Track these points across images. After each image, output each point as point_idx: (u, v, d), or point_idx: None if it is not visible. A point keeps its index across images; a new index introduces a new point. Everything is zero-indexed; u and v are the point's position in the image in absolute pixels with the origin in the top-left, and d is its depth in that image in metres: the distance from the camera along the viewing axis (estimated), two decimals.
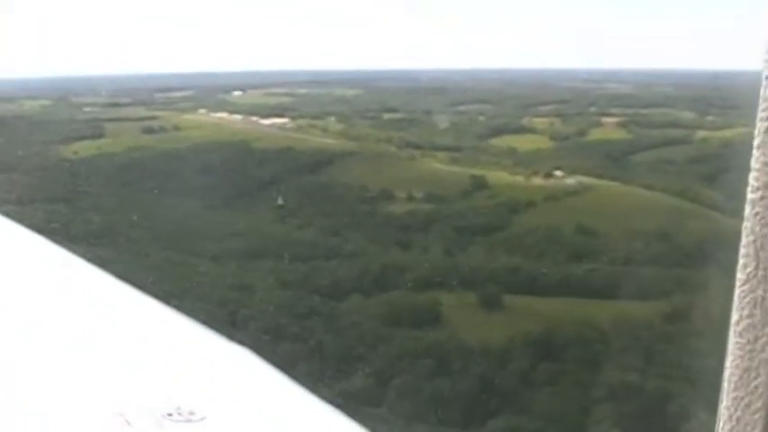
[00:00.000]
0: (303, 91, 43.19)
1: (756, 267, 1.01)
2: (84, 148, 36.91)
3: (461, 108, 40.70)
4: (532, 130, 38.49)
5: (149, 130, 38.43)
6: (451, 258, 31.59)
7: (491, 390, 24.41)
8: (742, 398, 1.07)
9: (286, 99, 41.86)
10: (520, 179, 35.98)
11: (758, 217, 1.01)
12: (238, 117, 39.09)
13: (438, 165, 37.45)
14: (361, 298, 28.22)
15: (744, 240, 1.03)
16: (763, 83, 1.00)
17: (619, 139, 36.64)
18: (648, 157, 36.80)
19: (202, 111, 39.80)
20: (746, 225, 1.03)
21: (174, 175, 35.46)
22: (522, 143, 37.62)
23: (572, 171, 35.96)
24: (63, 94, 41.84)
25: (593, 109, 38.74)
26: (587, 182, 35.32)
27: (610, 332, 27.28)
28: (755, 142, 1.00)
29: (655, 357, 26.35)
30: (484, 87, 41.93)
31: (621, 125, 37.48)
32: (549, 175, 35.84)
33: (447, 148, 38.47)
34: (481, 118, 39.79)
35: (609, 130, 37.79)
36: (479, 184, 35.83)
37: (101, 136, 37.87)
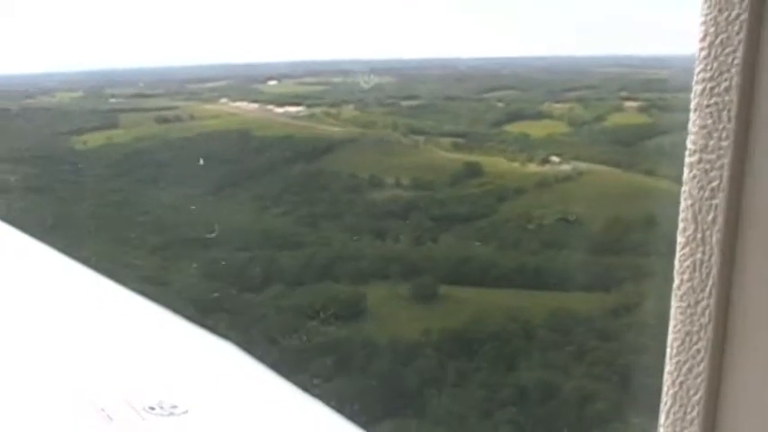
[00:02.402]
0: (337, 80, 42.19)
1: (695, 230, 1.09)
2: (95, 139, 37.19)
3: (487, 95, 38.95)
4: (550, 116, 36.66)
5: (163, 120, 38.42)
6: (413, 248, 30.61)
7: (389, 390, 23.58)
8: (684, 362, 1.16)
9: (317, 88, 41.08)
10: (516, 165, 34.29)
11: (695, 180, 1.08)
12: (255, 106, 38.39)
13: (439, 151, 36.19)
14: (283, 290, 27.44)
15: (682, 204, 1.11)
16: (697, 45, 1.07)
17: (637, 124, 34.39)
18: (663, 141, 34.22)
19: (224, 100, 39.34)
20: (685, 189, 1.11)
21: (168, 164, 35.38)
22: (537, 129, 35.87)
23: (578, 157, 34.09)
24: (100, 86, 42.29)
25: (623, 94, 36.23)
26: (584, 168, 33.36)
27: (543, 327, 26.17)
28: (692, 105, 1.07)
29: (587, 355, 25.02)
30: (518, 74, 39.97)
31: (642, 110, 34.95)
32: (545, 161, 34.03)
33: (454, 135, 37.06)
34: (499, 104, 37.87)
35: (629, 115, 35.40)
36: (473, 171, 34.42)
37: (115, 126, 38.09)
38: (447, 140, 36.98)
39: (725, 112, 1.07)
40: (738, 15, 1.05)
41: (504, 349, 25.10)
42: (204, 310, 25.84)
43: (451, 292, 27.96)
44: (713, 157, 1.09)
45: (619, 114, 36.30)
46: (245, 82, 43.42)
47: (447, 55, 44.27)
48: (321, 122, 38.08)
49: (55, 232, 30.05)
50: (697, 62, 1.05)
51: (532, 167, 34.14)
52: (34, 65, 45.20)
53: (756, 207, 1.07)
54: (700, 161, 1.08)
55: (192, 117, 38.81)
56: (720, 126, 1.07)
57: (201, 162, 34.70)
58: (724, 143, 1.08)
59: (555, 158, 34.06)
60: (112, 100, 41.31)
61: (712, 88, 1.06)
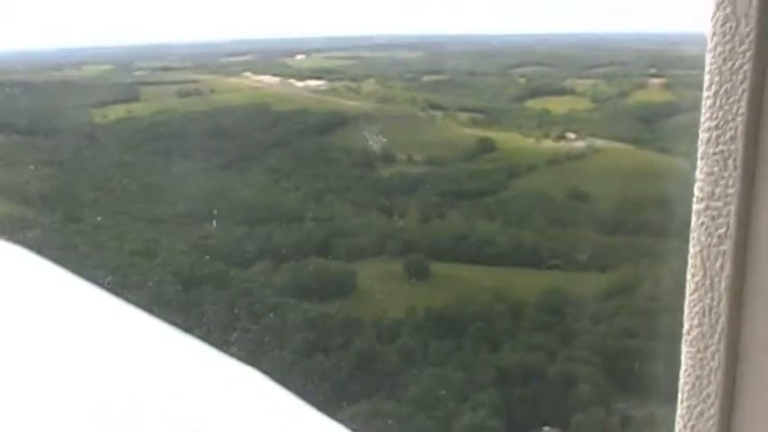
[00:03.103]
0: (367, 54, 41.81)
1: (704, 276, 1.09)
2: (115, 112, 37.07)
3: (513, 71, 38.30)
4: (573, 92, 35.88)
5: (185, 94, 38.22)
6: (417, 224, 29.93)
7: (368, 369, 23.03)
8: (695, 406, 1.15)
9: (345, 62, 40.79)
10: (531, 141, 33.57)
11: (704, 227, 1.08)
12: (276, 80, 38.06)
13: (456, 126, 35.61)
14: (272, 265, 27.02)
15: (691, 251, 1.11)
16: (703, 93, 1.11)
17: (660, 101, 33.47)
18: (683, 119, 33.20)
19: (247, 74, 39.08)
20: (693, 235, 1.11)
21: (183, 137, 35.07)
22: (559, 105, 35.17)
23: (596, 134, 33.32)
24: (130, 60, 42.29)
25: (651, 71, 35.28)
26: (599, 145, 32.60)
27: (533, 307, 25.36)
28: (699, 153, 1.09)
29: (575, 337, 24.37)
30: (548, 50, 39.25)
31: (666, 87, 33.98)
32: (560, 138, 33.30)
33: (474, 110, 36.44)
34: (521, 80, 37.12)
35: (653, 91, 34.44)
36: (487, 147, 33.89)
37: (136, 99, 37.98)
38: (465, 116, 36.48)
39: (731, 160, 1.08)
40: (742, 65, 1.05)
41: (486, 330, 24.36)
42: (188, 283, 25.57)
43: (445, 269, 27.36)
44: (720, 204, 1.09)
45: (643, 91, 35.51)
46: (274, 56, 43.19)
47: (481, 31, 43.64)
48: (341, 96, 37.67)
49: (55, 203, 30.12)
50: (703, 111, 1.07)
51: (547, 144, 33.47)
52: (70, 39, 45.33)
53: (764, 253, 1.07)
54: (707, 208, 1.08)
55: (212, 90, 38.60)
56: (726, 174, 1.08)
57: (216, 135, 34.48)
58: (730, 190, 1.09)
59: (570, 135, 33.27)
60: (137, 73, 41.21)
61: (718, 137, 1.08)
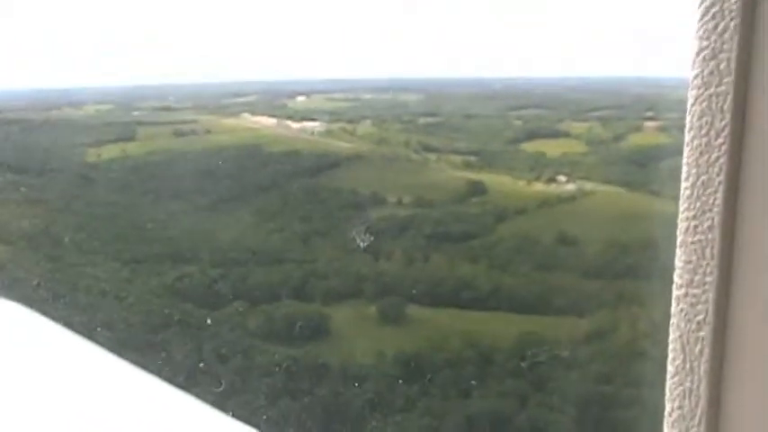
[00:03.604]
0: (368, 96, 41.53)
1: (683, 361, 1.17)
2: (109, 151, 37.00)
3: (511, 113, 37.91)
4: (568, 135, 35.44)
5: (180, 134, 38.09)
6: (397, 267, 29.53)
7: (332, 414, 22.62)
8: None
9: (345, 104, 40.47)
10: (522, 184, 33.12)
11: (683, 313, 1.16)
12: (273, 121, 37.89)
13: (449, 169, 35.24)
14: (244, 308, 26.67)
15: (671, 335, 1.18)
16: (682, 185, 1.20)
17: (654, 144, 32.95)
18: (676, 162, 32.14)
19: (245, 115, 38.93)
20: (673, 321, 1.19)
21: (173, 178, 34.94)
22: (553, 148, 34.79)
23: (589, 177, 32.97)
24: (131, 100, 42.30)
25: (649, 114, 34.82)
26: (590, 188, 32.11)
27: (506, 352, 24.82)
28: (678, 241, 1.16)
29: (547, 384, 23.82)
30: (548, 93, 38.83)
31: (662, 130, 33.49)
32: (551, 180, 32.85)
33: (467, 153, 36.06)
34: (517, 122, 36.74)
35: (648, 134, 33.99)
36: (477, 190, 33.38)
37: (132, 139, 37.87)
38: (459, 158, 36.09)
39: (708, 249, 1.14)
40: (718, 158, 1.12)
41: (455, 376, 23.87)
42: (155, 325, 25.22)
43: (421, 313, 26.92)
44: (699, 291, 1.14)
45: (638, 134, 34.96)
46: (277, 97, 43.00)
47: (483, 74, 43.31)
48: (336, 138, 37.38)
49: (34, 242, 29.94)
50: (681, 201, 1.14)
51: (538, 187, 33.09)
52: (75, 78, 45.46)
53: (741, 340, 1.11)
54: (686, 295, 1.14)
55: (208, 131, 38.42)
56: (704, 263, 1.14)
57: (210, 174, 34.30)
58: (708, 278, 1.13)
59: (562, 178, 32.74)
60: (136, 113, 41.13)
61: (696, 226, 1.15)
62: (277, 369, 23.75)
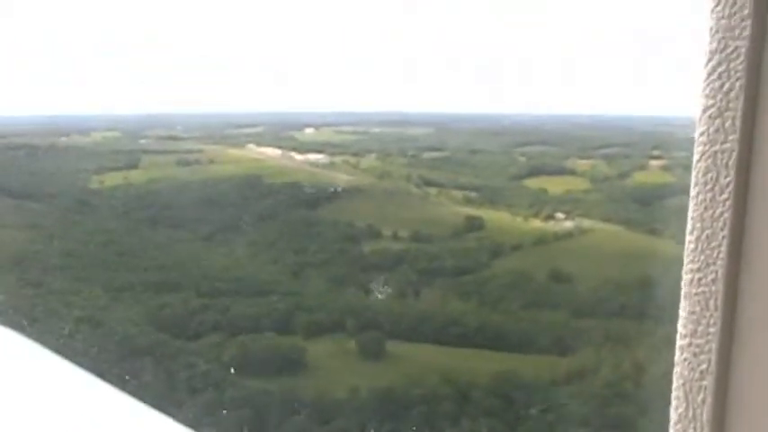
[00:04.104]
0: (376, 130, 41.39)
1: (687, 409, 1.15)
2: (113, 178, 36.98)
3: (517, 149, 37.54)
4: (573, 172, 34.95)
5: (184, 163, 38.00)
6: (386, 301, 28.94)
7: None
8: None
9: (352, 137, 40.47)
10: (519, 221, 32.68)
11: (686, 362, 1.15)
12: (278, 152, 37.68)
13: (448, 204, 34.86)
14: (221, 339, 26.20)
15: (674, 383, 1.16)
16: (686, 237, 1.17)
17: (658, 183, 32.49)
18: (679, 201, 31.86)
19: (251, 146, 38.79)
20: (677, 369, 1.17)
21: (172, 206, 34.84)
22: (556, 185, 34.37)
23: (589, 214, 32.45)
24: (140, 128, 42.32)
25: (655, 152, 34.38)
26: (588, 225, 31.68)
27: (483, 390, 23.81)
28: (682, 292, 1.15)
29: (521, 425, 23.02)
30: (557, 130, 38.46)
31: (666, 168, 33.01)
32: (549, 218, 32.36)
33: (469, 188, 35.69)
34: (522, 159, 36.31)
35: (652, 173, 33.47)
36: (475, 225, 33.15)
37: (135, 167, 37.83)
38: (460, 193, 35.83)
39: (712, 301, 1.14)
40: (722, 213, 1.13)
41: (429, 413, 23.23)
42: (128, 354, 24.77)
43: (401, 349, 26.32)
44: (702, 341, 1.15)
45: (642, 172, 34.65)
46: (284, 129, 42.96)
47: (493, 110, 43.07)
48: (338, 171, 37.07)
49: (21, 267, 29.65)
50: (686, 254, 1.13)
51: (536, 223, 32.74)
52: (87, 105, 45.60)
53: (743, 389, 1.13)
54: (690, 344, 1.14)
55: (211, 161, 38.33)
56: (708, 314, 1.14)
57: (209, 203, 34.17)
58: (712, 329, 1.15)
59: (560, 215, 32.27)
60: (142, 141, 41.16)
61: (700, 279, 1.15)
62: (245, 402, 23.24)
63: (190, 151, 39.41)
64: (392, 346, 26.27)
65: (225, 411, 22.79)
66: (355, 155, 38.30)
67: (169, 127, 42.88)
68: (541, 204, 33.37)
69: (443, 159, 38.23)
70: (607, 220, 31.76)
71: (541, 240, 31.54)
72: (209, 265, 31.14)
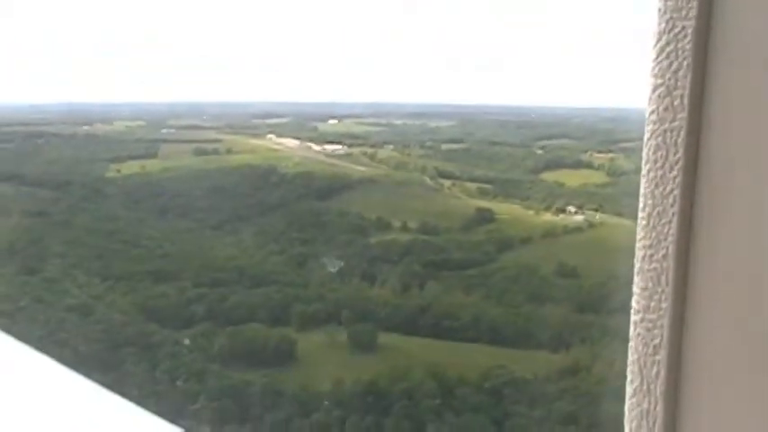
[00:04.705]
0: (399, 122, 40.89)
1: (641, 383, 1.14)
2: (129, 167, 36.83)
3: (539, 142, 36.87)
4: (590, 165, 34.13)
5: (201, 153, 37.71)
6: (387, 294, 28.48)
7: None
8: None
9: (374, 128, 40.11)
10: (531, 214, 32.13)
11: (639, 337, 1.13)
12: (296, 143, 37.27)
13: (462, 196, 34.30)
14: (209, 329, 25.81)
15: (629, 358, 1.15)
16: (639, 215, 1.17)
17: None
18: None
19: (270, 136, 38.42)
20: (631, 345, 1.15)
21: (185, 195, 34.54)
22: (573, 178, 33.77)
23: (601, 207, 31.80)
24: (165, 118, 42.15)
25: None
26: (598, 219, 31.04)
27: (469, 385, 23.49)
28: (635, 268, 1.14)
29: (506, 421, 22.26)
30: (581, 123, 37.70)
31: None
32: (560, 211, 31.61)
33: (484, 180, 35.08)
34: (539, 152, 35.60)
35: None
36: (485, 218, 32.67)
37: (154, 156, 37.65)
38: (474, 186, 35.03)
39: (663, 276, 1.12)
40: (672, 190, 1.11)
41: (412, 407, 22.72)
42: (114, 343, 24.48)
43: (394, 341, 25.77)
44: (654, 317, 1.12)
45: None
46: (309, 119, 42.58)
47: (521, 102, 42.36)
48: (354, 162, 36.55)
49: (20, 255, 29.44)
50: (638, 230, 1.11)
51: (547, 217, 32.05)
52: (117, 93, 45.55)
53: (695, 363, 1.11)
54: (643, 320, 1.10)
55: (229, 150, 37.98)
56: (660, 289, 1.12)
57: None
58: (664, 304, 1.12)
59: (571, 208, 31.49)
60: (164, 130, 40.93)
61: (652, 255, 1.13)
62: (222, 393, 22.80)
63: (209, 141, 39.09)
64: (385, 339, 25.73)
65: (202, 401, 22.38)
66: (373, 146, 37.68)
67: (195, 117, 42.62)
68: (555, 198, 32.71)
69: (462, 151, 37.69)
70: (619, 214, 30.75)
71: (551, 234, 31.05)
72: (212, 255, 30.75)
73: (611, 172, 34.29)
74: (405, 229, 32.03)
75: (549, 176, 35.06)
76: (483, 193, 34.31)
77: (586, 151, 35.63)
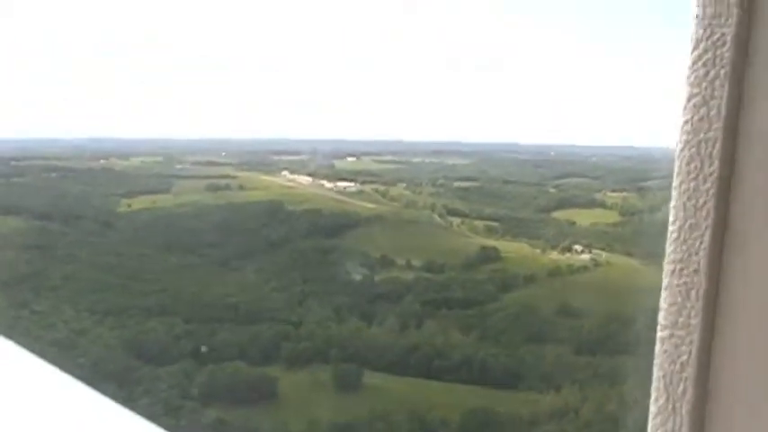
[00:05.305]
0: (417, 159, 40.62)
1: (667, 401, 1.15)
2: (141, 202, 36.84)
3: (556, 181, 36.37)
4: (603, 205, 33.71)
5: (213, 189, 37.57)
6: (383, 332, 28.02)
7: None
8: None
9: (391, 166, 39.94)
10: (537, 252, 31.79)
11: (666, 354, 1.15)
12: (309, 180, 37.04)
13: (469, 234, 33.77)
14: (190, 366, 25.51)
15: (655, 375, 1.17)
16: (669, 228, 1.20)
17: None
18: None
19: (284, 173, 38.26)
20: (657, 362, 1.17)
21: (192, 230, 34.52)
22: (585, 217, 33.48)
23: (610, 247, 31.58)
24: (182, 153, 42.20)
25: None
26: (605, 258, 30.60)
27: (452, 427, 23.26)
28: (663, 283, 1.18)
29: None
30: (600, 162, 37.36)
31: None
32: (566, 250, 30.94)
33: (493, 219, 34.68)
34: (552, 190, 35.20)
35: None
36: (490, 256, 31.99)
37: (166, 191, 37.67)
38: (482, 224, 34.66)
39: (693, 292, 1.13)
40: (705, 203, 1.12)
41: None
42: (95, 378, 23.91)
43: (380, 381, 25.39)
44: (683, 333, 1.13)
45: None
46: (327, 157, 42.30)
47: (542, 141, 41.81)
48: (364, 199, 36.23)
49: (13, 288, 29.25)
50: (668, 244, 1.14)
51: (553, 255, 31.58)
52: (137, 129, 45.41)
53: (723, 381, 1.11)
54: (671, 336, 1.12)
55: (241, 187, 37.91)
56: (689, 305, 1.12)
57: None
58: (693, 320, 1.12)
59: (578, 248, 30.95)
60: (179, 166, 40.92)
61: (682, 269, 1.14)
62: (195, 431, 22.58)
63: (222, 177, 38.96)
64: (372, 379, 25.18)
65: None
66: (386, 184, 37.31)
67: (213, 153, 42.58)
68: (564, 237, 32.17)
69: (474, 189, 37.38)
70: (628, 253, 30.29)
71: (556, 273, 30.43)
72: (210, 291, 30.45)
73: (623, 211, 33.68)
74: (408, 267, 31.49)
75: (560, 215, 34.60)
76: (491, 232, 34.01)
77: (600, 190, 35.01)
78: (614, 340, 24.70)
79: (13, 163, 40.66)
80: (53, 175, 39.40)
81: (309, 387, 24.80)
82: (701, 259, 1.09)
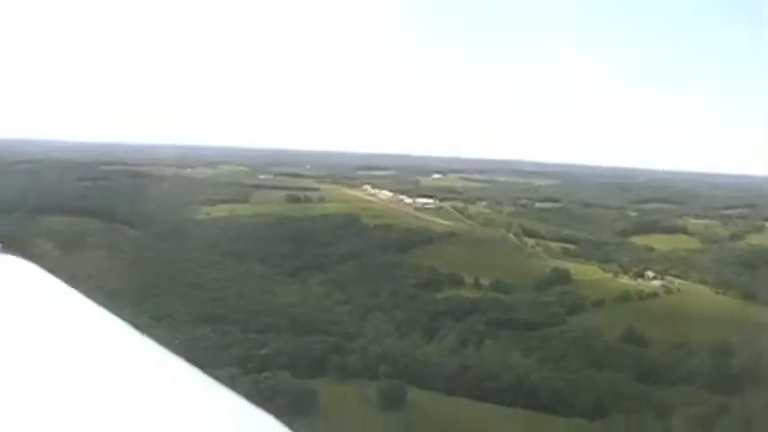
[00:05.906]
0: (502, 179, 40.16)
1: None
2: (219, 210, 37.17)
3: (637, 206, 35.68)
4: (685, 231, 32.91)
5: (293, 200, 37.55)
6: (436, 350, 27.33)
7: None
8: None
9: (476, 184, 40.09)
10: (609, 277, 30.59)
11: None
12: (389, 194, 36.81)
13: (543, 255, 33.01)
14: (235, 374, 25.00)
15: None
16: None
17: None
18: None
19: (366, 187, 38.06)
20: None
21: (265, 240, 34.40)
22: (665, 243, 32.93)
23: (685, 274, 30.36)
24: (268, 164, 42.36)
25: None
26: (677, 285, 29.63)
27: None
28: None
29: None
30: (686, 188, 36.57)
31: None
32: (638, 275, 30.13)
33: (570, 241, 34.06)
34: (633, 214, 34.30)
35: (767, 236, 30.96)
36: (561, 278, 31.32)
37: (245, 201, 37.79)
38: (558, 245, 33.67)
39: None
40: None
41: None
42: None
43: (425, 399, 24.43)
44: None
45: (758, 235, 32.23)
46: (413, 173, 42.01)
47: (632, 165, 41.04)
48: (441, 216, 35.83)
49: (79, 287, 29.21)
50: None
51: (624, 280, 30.38)
52: (229, 139, 45.68)
53: None
54: None
55: (321, 199, 37.96)
56: None
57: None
58: None
59: (649, 273, 29.92)
60: (262, 176, 41.10)
61: None
62: None
63: (305, 188, 38.98)
64: (416, 396, 24.26)
65: None
66: (466, 201, 36.80)
67: (298, 165, 42.66)
68: (641, 262, 31.27)
69: (554, 210, 36.95)
70: (703, 281, 29.37)
71: (624, 298, 29.44)
72: (273, 301, 30.06)
73: (704, 238, 32.70)
74: (476, 285, 30.88)
75: (638, 240, 33.98)
76: (566, 254, 33.41)
77: (682, 216, 34.02)
78: (676, 370, 23.81)
79: (102, 168, 41.27)
80: (138, 180, 39.84)
81: (349, 402, 24.01)
82: None
